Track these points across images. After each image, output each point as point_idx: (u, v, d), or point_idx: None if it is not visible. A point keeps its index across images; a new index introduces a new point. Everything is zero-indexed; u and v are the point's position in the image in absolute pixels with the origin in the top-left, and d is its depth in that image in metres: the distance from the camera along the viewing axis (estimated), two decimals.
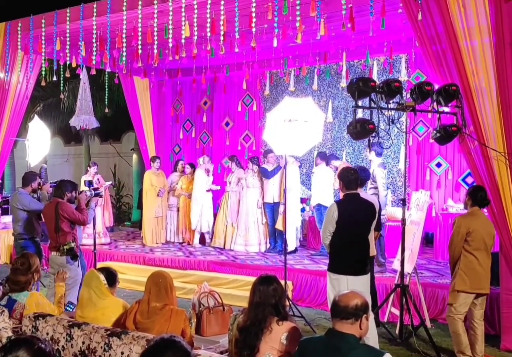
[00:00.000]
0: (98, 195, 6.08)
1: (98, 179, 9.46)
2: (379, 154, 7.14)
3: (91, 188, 6.06)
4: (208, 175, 9.19)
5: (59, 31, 7.49)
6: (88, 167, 9.49)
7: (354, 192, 4.75)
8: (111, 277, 3.87)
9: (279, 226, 8.30)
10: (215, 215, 9.29)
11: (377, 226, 5.50)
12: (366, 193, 5.91)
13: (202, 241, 9.31)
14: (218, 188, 9.33)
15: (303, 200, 9.50)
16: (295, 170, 8.40)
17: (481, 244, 4.63)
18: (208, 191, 9.06)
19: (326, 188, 8.16)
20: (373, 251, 5.59)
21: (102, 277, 3.77)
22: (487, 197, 4.80)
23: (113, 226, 11.11)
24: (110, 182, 10.98)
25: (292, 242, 8.32)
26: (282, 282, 3.96)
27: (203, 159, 9.31)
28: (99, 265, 7.56)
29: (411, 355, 5.06)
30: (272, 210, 8.55)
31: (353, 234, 4.64)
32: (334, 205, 4.73)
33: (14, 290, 3.92)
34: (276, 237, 8.57)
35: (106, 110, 10.14)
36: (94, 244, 6.34)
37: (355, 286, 4.34)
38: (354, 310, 2.62)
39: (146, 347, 2.35)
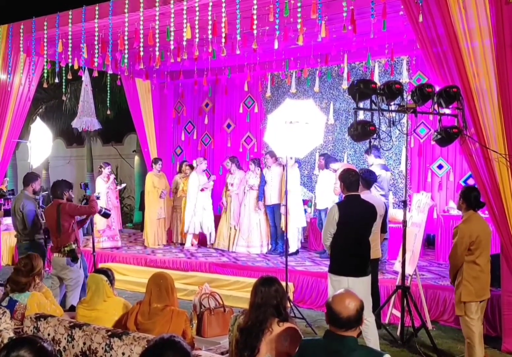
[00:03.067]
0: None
1: (114, 179, 9.51)
2: (377, 156, 7.17)
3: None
4: (207, 176, 9.24)
5: (61, 33, 7.53)
6: (101, 169, 9.35)
7: (355, 193, 4.76)
8: (108, 276, 3.97)
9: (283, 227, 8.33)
10: (216, 216, 9.30)
11: (382, 228, 5.51)
12: (372, 195, 5.91)
13: (203, 242, 9.31)
14: (211, 183, 9.22)
15: (304, 202, 9.50)
16: (296, 173, 8.42)
17: (484, 248, 4.54)
18: (202, 190, 9.07)
19: (330, 191, 8.15)
20: (377, 254, 5.60)
21: (105, 278, 3.85)
22: (480, 197, 4.71)
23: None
24: (125, 184, 11.01)
25: (293, 244, 8.34)
26: (283, 284, 3.97)
27: (195, 161, 9.35)
28: (101, 266, 7.60)
29: None
30: (272, 212, 8.56)
31: (354, 235, 4.64)
32: (335, 206, 4.73)
33: (14, 290, 3.94)
34: (278, 239, 8.58)
35: (108, 112, 10.15)
36: (93, 246, 6.34)
37: (356, 287, 4.34)
38: (357, 317, 2.56)
39: (146, 347, 2.35)
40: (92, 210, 5.72)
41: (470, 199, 4.60)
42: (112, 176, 9.40)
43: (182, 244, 9.40)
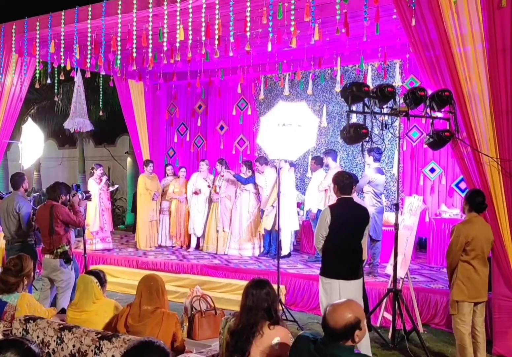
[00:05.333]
0: (88, 198, 6.13)
1: (107, 180, 9.46)
2: (377, 160, 7.17)
3: (82, 191, 6.11)
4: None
5: (53, 33, 7.48)
6: (93, 170, 9.27)
7: (348, 196, 4.75)
8: (100, 278, 3.94)
9: (261, 228, 8.35)
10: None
11: None
12: (358, 198, 5.92)
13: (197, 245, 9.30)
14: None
15: (297, 204, 9.48)
16: (291, 177, 8.41)
17: (479, 252, 4.59)
18: (195, 193, 9.07)
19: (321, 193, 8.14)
20: (364, 256, 5.60)
21: (95, 279, 3.81)
22: (484, 201, 4.73)
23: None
24: (117, 186, 10.96)
25: (286, 247, 8.33)
26: (275, 286, 3.96)
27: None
28: (92, 268, 7.55)
29: None
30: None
31: (346, 238, 4.63)
32: (327, 209, 4.72)
33: (3, 290, 3.90)
34: (271, 241, 8.56)
35: (101, 113, 10.11)
36: (84, 248, 6.29)
37: (347, 290, 4.34)
38: (352, 325, 2.49)
39: (125, 350, 2.32)
40: (80, 224, 5.83)
41: (473, 202, 4.67)
42: (105, 178, 9.37)
43: (173, 247, 9.38)
